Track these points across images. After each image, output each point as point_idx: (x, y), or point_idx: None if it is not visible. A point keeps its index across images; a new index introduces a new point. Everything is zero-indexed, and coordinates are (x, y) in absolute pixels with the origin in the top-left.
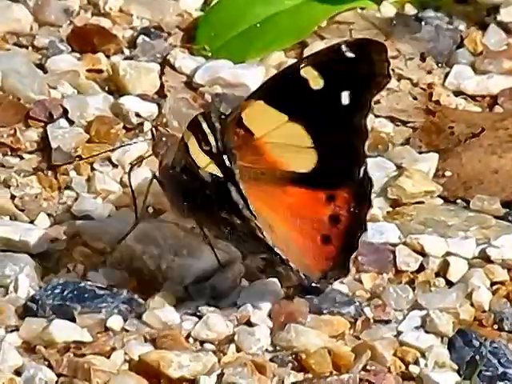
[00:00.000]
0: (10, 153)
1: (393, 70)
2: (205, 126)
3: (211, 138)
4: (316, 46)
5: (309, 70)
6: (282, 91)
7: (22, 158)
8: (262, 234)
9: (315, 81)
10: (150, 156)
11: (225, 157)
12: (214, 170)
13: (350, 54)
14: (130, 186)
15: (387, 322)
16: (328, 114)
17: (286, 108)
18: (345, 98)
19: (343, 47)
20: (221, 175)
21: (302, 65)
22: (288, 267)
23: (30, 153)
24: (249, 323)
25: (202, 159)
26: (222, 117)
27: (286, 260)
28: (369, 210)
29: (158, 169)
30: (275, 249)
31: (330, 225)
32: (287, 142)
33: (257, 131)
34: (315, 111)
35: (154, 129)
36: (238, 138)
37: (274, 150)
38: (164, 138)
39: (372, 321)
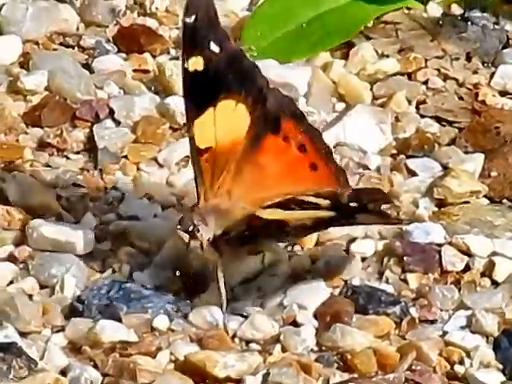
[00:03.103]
0: (56, 153)
1: (438, 69)
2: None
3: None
4: (363, 47)
5: (189, 61)
6: (193, 93)
7: (68, 158)
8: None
9: (199, 63)
10: None
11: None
12: None
13: (189, 20)
14: None
15: (433, 322)
16: (227, 72)
17: (206, 103)
18: (214, 47)
19: (185, 18)
20: None
21: (184, 63)
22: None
23: (77, 153)
24: (294, 323)
25: None
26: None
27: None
28: (307, 117)
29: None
30: None
31: (304, 153)
32: (226, 125)
33: (211, 142)
34: (223, 81)
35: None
36: (207, 161)
37: (225, 138)
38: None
39: (417, 321)
